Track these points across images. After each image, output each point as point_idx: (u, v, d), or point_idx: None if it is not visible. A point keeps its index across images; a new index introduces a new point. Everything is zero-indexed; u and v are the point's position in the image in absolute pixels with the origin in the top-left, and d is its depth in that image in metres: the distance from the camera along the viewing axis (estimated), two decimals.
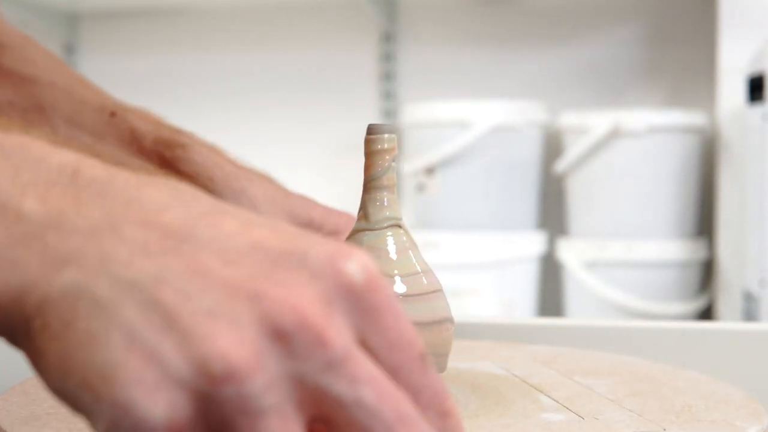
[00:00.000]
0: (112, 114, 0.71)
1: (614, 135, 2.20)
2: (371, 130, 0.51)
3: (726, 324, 0.73)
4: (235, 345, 0.28)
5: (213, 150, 0.70)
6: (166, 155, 0.68)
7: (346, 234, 0.57)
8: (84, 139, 0.71)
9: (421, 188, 2.33)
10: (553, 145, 2.43)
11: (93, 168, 0.32)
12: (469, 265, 2.23)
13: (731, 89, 2.04)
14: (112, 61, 2.83)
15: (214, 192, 0.67)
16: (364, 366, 0.30)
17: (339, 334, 0.29)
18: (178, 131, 0.71)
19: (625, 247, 2.20)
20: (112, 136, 0.70)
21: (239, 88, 2.76)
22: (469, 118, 2.26)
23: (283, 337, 0.29)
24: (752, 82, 1.92)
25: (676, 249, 2.21)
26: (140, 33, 2.83)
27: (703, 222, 2.33)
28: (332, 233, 0.67)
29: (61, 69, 0.75)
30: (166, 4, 2.76)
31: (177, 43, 2.80)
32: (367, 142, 0.51)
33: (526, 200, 2.36)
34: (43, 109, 0.73)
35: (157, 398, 0.28)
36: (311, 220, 0.68)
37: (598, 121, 2.21)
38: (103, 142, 0.70)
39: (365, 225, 0.52)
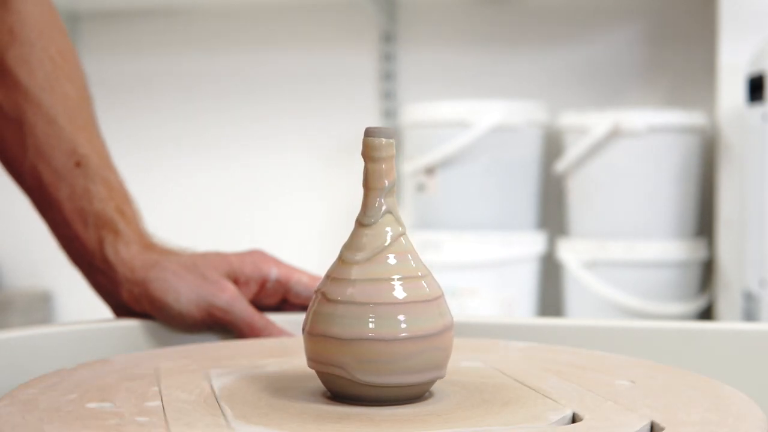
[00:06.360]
0: (77, 164, 0.73)
1: (614, 135, 2.20)
2: (369, 133, 0.51)
3: (726, 324, 0.73)
4: None
5: (142, 245, 0.73)
6: (100, 233, 0.73)
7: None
8: (45, 176, 0.73)
9: (421, 188, 2.33)
10: (553, 145, 2.43)
11: None
12: (469, 265, 2.23)
13: (731, 89, 2.04)
14: (112, 61, 2.83)
15: (132, 280, 0.72)
16: None
17: None
18: (122, 212, 0.74)
19: (625, 247, 2.20)
20: (66, 184, 0.73)
21: (239, 87, 2.76)
22: (469, 118, 2.26)
23: None
24: (752, 82, 1.92)
25: (676, 249, 2.21)
26: (140, 33, 2.83)
27: (703, 222, 2.34)
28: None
29: (55, 87, 0.75)
30: (166, 4, 2.76)
31: (177, 43, 2.80)
32: (366, 146, 0.51)
33: (526, 200, 2.36)
34: (22, 126, 0.74)
35: None
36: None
37: (598, 121, 2.21)
38: (58, 186, 0.73)
39: (365, 229, 0.51)
